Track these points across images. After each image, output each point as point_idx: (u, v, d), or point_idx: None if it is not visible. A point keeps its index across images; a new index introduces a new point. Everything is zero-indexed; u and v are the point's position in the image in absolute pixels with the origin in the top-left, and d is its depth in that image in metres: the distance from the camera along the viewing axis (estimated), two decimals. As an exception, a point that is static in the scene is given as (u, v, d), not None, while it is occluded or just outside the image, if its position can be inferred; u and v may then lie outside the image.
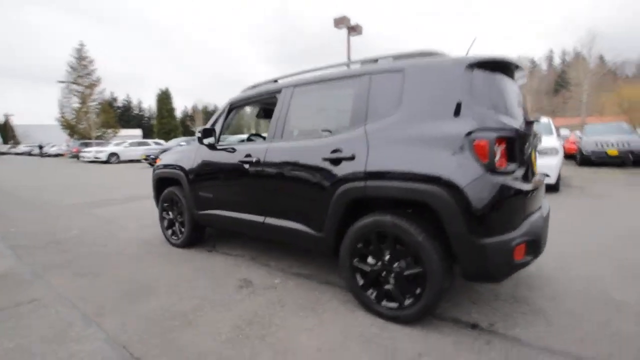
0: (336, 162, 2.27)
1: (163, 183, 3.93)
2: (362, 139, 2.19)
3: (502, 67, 2.03)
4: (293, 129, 2.70)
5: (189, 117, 51.73)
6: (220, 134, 3.25)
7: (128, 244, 3.99)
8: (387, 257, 2.13)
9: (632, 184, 7.45)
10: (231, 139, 3.60)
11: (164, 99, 48.25)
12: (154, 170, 4.00)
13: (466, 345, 1.90)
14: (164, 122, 47.39)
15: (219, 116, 3.33)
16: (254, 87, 3.24)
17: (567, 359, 1.77)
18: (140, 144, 22.31)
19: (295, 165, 2.51)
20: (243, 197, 2.96)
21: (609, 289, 2.52)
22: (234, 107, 3.28)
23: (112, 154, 20.52)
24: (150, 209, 5.90)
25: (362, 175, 2.13)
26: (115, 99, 49.88)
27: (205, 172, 3.26)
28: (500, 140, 1.81)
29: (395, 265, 2.10)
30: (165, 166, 3.78)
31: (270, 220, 2.77)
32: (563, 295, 2.45)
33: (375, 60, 2.41)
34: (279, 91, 2.83)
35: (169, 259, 3.42)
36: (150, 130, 50.35)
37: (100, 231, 4.58)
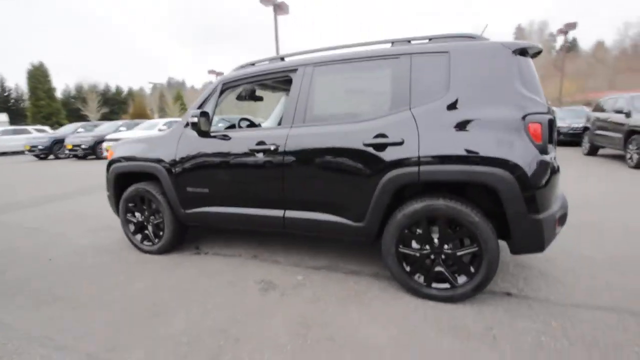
0: (381, 147, 2.18)
1: (125, 179, 3.24)
2: (410, 122, 2.13)
3: (533, 54, 2.18)
4: (318, 112, 2.47)
5: (76, 99, 43.34)
6: (211, 118, 2.80)
7: (83, 254, 3.23)
8: (435, 240, 2.16)
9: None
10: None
11: (38, 76, 39.27)
12: (109, 164, 3.26)
13: (516, 312, 2.07)
14: (40, 104, 38.72)
15: (208, 97, 2.85)
16: (252, 64, 2.85)
17: (605, 312, 2.06)
18: (16, 131, 17.98)
19: (329, 152, 2.32)
20: (254, 190, 2.63)
21: (578, 248, 3.04)
22: (228, 87, 2.84)
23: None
24: (83, 210, 4.92)
25: (415, 160, 2.08)
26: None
27: (197, 164, 2.78)
28: (549, 122, 1.97)
29: (446, 247, 2.15)
30: (131, 159, 3.11)
31: (292, 214, 2.53)
32: (552, 256, 2.86)
33: (408, 41, 2.34)
34: (293, 70, 2.54)
35: (152, 267, 2.88)
36: (20, 114, 40.76)
37: (31, 242, 3.60)
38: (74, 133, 14.78)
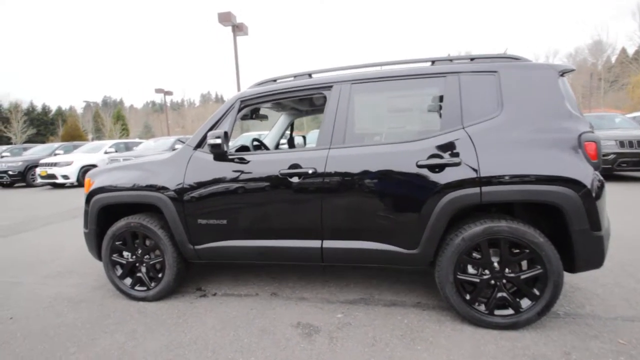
0: (437, 168, 2.05)
1: (111, 213, 2.71)
2: (466, 141, 2.04)
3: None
4: (359, 132, 2.29)
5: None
6: (229, 139, 2.46)
7: (55, 308, 2.60)
8: (495, 265, 2.06)
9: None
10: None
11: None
12: (90, 195, 2.70)
13: (581, 333, 2.02)
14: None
15: (224, 116, 2.51)
16: (273, 80, 2.59)
17: (651, 323, 2.10)
18: None
19: (378, 174, 2.13)
20: (286, 219, 2.33)
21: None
22: (247, 104, 2.53)
23: None
24: (30, 251, 4.06)
25: (475, 181, 1.98)
26: None
27: (213, 192, 2.40)
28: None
29: (507, 271, 2.05)
30: (121, 188, 2.60)
31: (332, 244, 2.27)
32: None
33: (450, 60, 2.29)
34: (328, 87, 2.34)
35: (155, 319, 2.37)
36: None
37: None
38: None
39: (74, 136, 34.37)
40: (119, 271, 2.70)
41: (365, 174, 2.15)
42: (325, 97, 2.35)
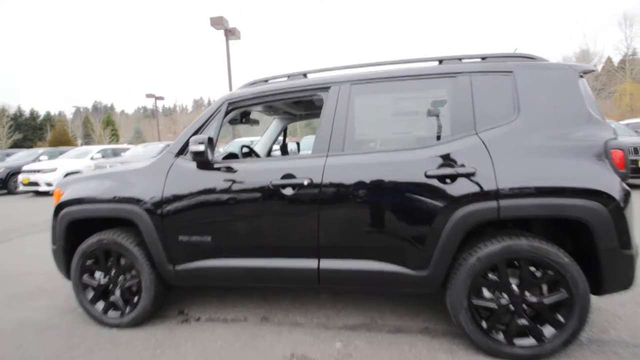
0: (448, 178, 1.82)
1: (82, 228, 2.42)
2: (480, 149, 1.82)
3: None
4: (360, 138, 2.06)
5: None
6: (215, 145, 2.21)
7: (18, 335, 2.29)
8: (514, 288, 1.83)
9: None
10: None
11: None
12: (58, 208, 2.41)
13: (610, 364, 1.80)
14: None
15: (209, 119, 2.26)
16: (264, 81, 2.35)
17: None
18: None
19: (382, 185, 1.89)
20: (278, 235, 2.07)
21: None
22: (236, 107, 2.28)
23: None
24: None
25: (492, 193, 1.76)
26: None
27: (196, 204, 2.14)
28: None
29: (528, 294, 1.82)
30: (93, 200, 2.32)
31: (330, 264, 2.02)
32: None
33: (459, 59, 2.08)
34: (325, 88, 2.11)
35: (130, 350, 2.08)
36: None
37: None
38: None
39: (62, 141, 33.51)
40: (90, 294, 2.40)
41: (367, 185, 1.91)
42: (322, 100, 2.12)
